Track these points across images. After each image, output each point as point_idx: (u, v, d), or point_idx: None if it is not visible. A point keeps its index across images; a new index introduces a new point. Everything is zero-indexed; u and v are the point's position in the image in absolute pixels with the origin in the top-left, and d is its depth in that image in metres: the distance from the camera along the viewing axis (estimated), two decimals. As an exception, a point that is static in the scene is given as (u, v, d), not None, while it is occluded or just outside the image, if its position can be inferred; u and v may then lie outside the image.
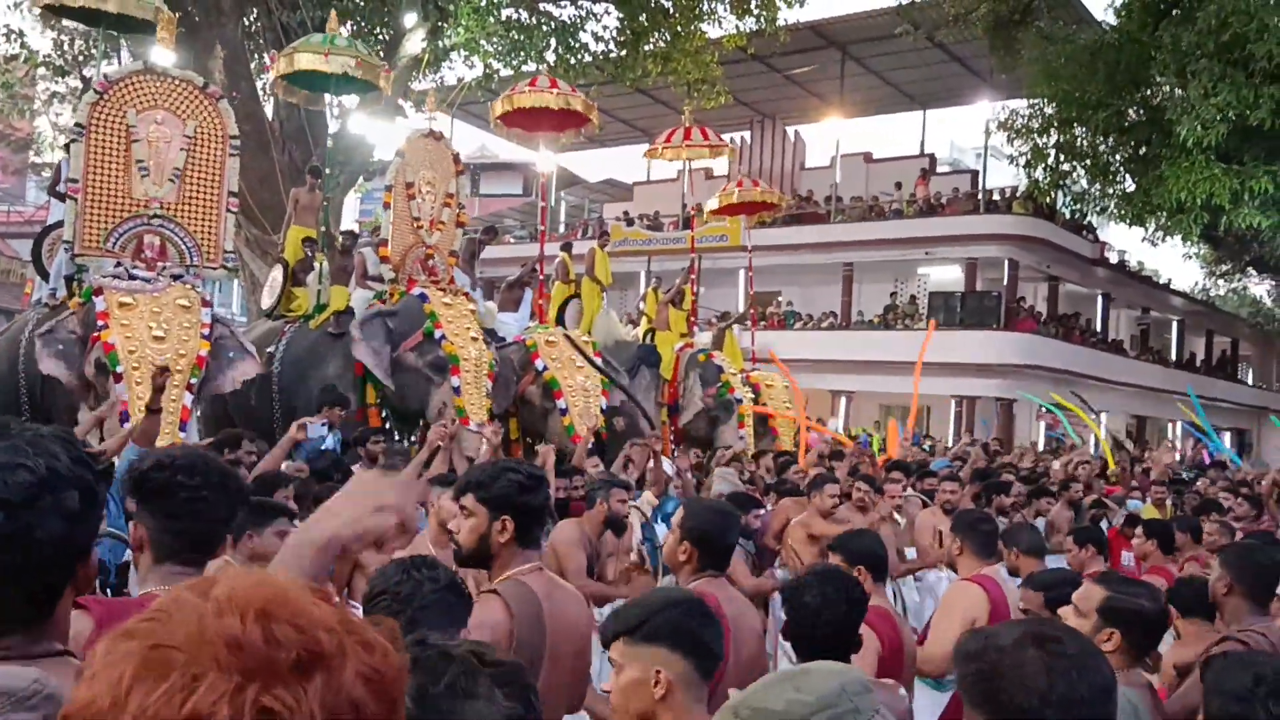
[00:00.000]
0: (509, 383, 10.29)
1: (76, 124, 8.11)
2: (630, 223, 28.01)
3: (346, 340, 9.20)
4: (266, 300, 11.23)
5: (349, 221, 22.15)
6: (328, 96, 12.27)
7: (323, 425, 7.72)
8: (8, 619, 1.39)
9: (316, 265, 10.61)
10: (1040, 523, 7.31)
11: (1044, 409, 22.39)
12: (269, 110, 15.48)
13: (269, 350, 9.98)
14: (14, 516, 1.32)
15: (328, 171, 11.10)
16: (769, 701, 1.15)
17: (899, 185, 25.98)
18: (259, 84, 15.82)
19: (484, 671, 1.23)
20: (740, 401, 12.59)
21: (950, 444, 18.00)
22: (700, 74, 17.34)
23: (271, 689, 0.60)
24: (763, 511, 5.23)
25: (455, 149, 10.61)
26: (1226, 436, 22.11)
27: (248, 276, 15.29)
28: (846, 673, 1.21)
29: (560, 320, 12.82)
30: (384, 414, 9.47)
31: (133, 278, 7.83)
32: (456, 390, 9.06)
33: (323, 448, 7.33)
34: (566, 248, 13.68)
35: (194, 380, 7.68)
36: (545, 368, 10.22)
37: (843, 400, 25.06)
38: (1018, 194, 23.59)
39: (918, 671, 3.60)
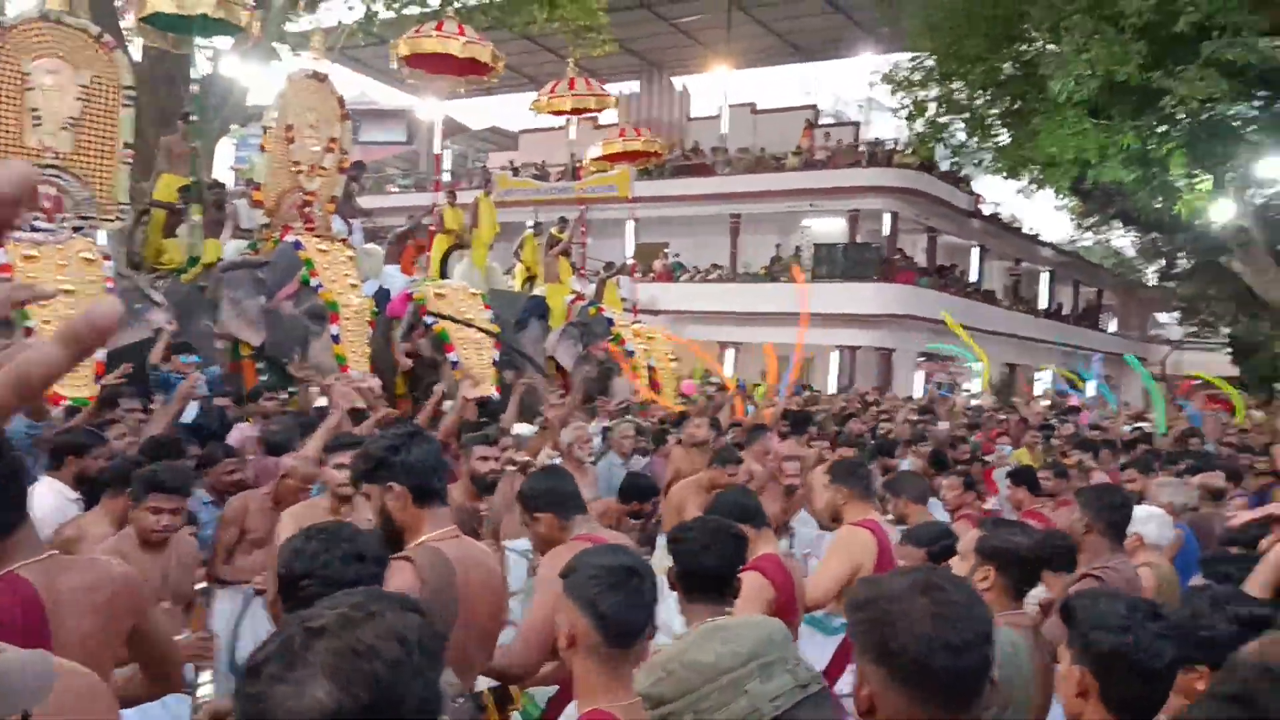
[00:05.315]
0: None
1: None
2: (515, 172, 27.63)
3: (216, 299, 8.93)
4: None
5: (222, 170, 21.27)
6: (200, 39, 11.74)
7: (202, 378, 7.43)
8: None
9: (189, 217, 10.19)
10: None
11: (922, 358, 23.12)
12: (136, 53, 14.67)
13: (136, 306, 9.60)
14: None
15: (194, 119, 10.69)
16: (699, 655, 1.18)
17: (807, 134, 26.18)
18: (122, 25, 14.98)
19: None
20: (633, 353, 12.63)
21: (832, 393, 18.47)
22: (587, 19, 17.09)
23: None
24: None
25: (340, 92, 10.28)
26: (1091, 384, 23.15)
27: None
28: (768, 623, 1.26)
29: (444, 272, 12.63)
30: (259, 366, 9.21)
31: (34, 229, 7.57)
32: (336, 338, 8.86)
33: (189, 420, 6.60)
34: (450, 197, 13.43)
35: None
36: (435, 321, 10.07)
37: (730, 352, 25.39)
38: (899, 146, 24.05)
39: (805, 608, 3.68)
